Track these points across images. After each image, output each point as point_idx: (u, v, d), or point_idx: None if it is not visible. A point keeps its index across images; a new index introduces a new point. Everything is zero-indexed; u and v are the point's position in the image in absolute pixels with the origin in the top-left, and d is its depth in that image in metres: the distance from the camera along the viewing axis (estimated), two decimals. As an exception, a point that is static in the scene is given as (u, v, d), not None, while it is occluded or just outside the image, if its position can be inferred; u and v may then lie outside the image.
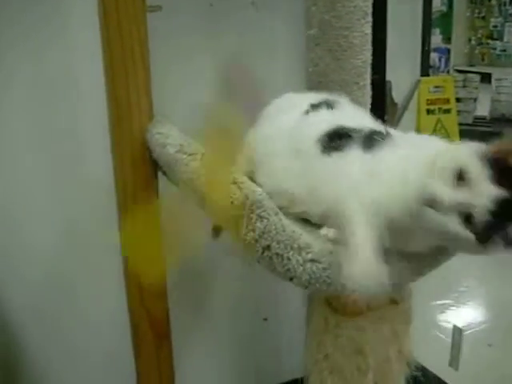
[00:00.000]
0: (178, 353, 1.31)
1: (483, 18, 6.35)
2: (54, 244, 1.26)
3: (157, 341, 1.25)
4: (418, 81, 2.59)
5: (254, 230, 0.73)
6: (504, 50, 6.15)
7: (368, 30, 1.19)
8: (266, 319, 1.58)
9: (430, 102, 2.57)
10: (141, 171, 1.12)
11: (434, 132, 2.57)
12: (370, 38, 1.20)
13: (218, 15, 1.29)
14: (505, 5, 6.12)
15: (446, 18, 4.56)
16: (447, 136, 2.62)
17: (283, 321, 1.61)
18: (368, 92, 1.23)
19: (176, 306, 1.25)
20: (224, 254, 1.45)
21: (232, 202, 0.73)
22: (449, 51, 4.72)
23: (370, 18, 1.19)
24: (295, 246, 0.75)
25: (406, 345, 0.96)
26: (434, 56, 3.58)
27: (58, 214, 1.25)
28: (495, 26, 6.23)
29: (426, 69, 3.08)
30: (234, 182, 0.75)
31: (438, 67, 3.88)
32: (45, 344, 1.31)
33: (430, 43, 3.23)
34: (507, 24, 6.10)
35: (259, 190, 0.74)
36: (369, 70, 1.22)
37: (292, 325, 1.61)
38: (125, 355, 1.33)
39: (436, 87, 2.58)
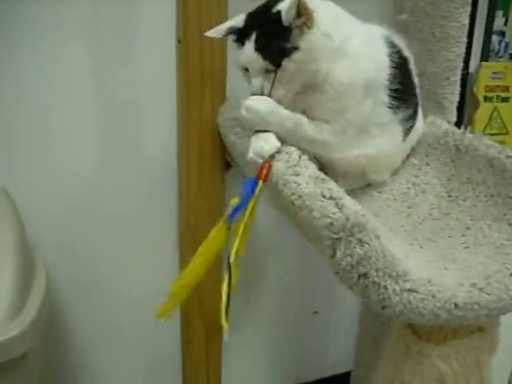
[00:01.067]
0: (226, 344, 1.27)
1: (545, -2, 6.06)
2: (110, 218, 1.20)
3: (208, 332, 1.20)
4: (480, 65, 2.46)
5: (351, 256, 0.65)
6: None
7: (466, 20, 1.08)
8: (316, 312, 1.52)
9: (489, 88, 2.45)
10: (208, 157, 1.05)
11: (490, 121, 2.47)
12: (466, 29, 1.09)
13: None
14: None
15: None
16: (503, 126, 2.49)
17: (333, 315, 1.55)
18: (457, 88, 1.12)
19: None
20: (276, 246, 1.39)
21: (331, 223, 0.65)
22: (503, 34, 4.51)
23: (469, 8, 1.08)
24: (393, 273, 0.68)
25: (488, 374, 0.89)
26: (494, 39, 3.39)
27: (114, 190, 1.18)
28: (557, 8, 5.95)
29: (486, 53, 2.94)
30: (332, 198, 0.67)
31: (498, 51, 3.69)
32: (87, 324, 1.26)
33: (492, 26, 3.07)
34: None
35: (361, 210, 0.66)
36: (461, 64, 1.11)
37: (341, 320, 1.55)
38: (171, 344, 1.30)
39: (495, 73, 2.46)
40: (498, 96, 2.51)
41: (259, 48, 0.81)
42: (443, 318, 0.72)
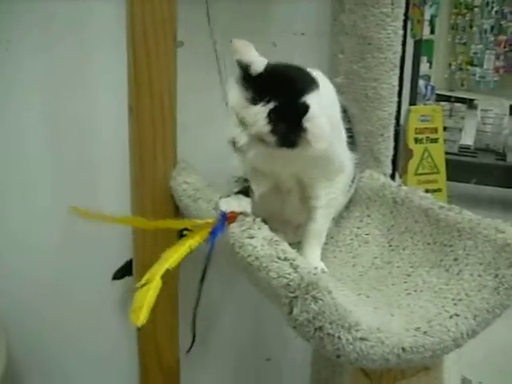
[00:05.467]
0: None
1: (464, 44, 6.46)
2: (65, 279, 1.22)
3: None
4: (409, 110, 2.61)
5: (307, 311, 0.71)
6: (483, 77, 6.27)
7: (395, 81, 1.18)
8: (269, 359, 1.56)
9: (419, 130, 2.59)
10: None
11: (421, 161, 2.60)
12: (396, 89, 1.18)
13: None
14: (486, 32, 6.23)
15: (430, 44, 4.61)
16: (434, 165, 2.64)
17: (286, 361, 1.59)
18: (391, 143, 1.21)
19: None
20: (229, 294, 1.43)
21: (287, 284, 0.70)
22: (429, 77, 4.77)
23: (397, 71, 1.18)
24: (346, 325, 0.73)
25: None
26: (420, 84, 3.59)
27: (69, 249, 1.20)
28: (475, 53, 6.34)
29: (414, 97, 3.11)
30: (286, 259, 0.73)
31: (424, 95, 3.91)
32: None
33: (418, 71, 3.26)
34: (487, 51, 6.22)
35: (314, 269, 0.72)
36: (393, 121, 1.20)
37: (295, 366, 1.59)
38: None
39: (423, 116, 2.60)
40: (427, 137, 2.66)
41: (273, 122, 0.79)
42: (392, 361, 0.78)
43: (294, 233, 1.01)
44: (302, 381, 1.45)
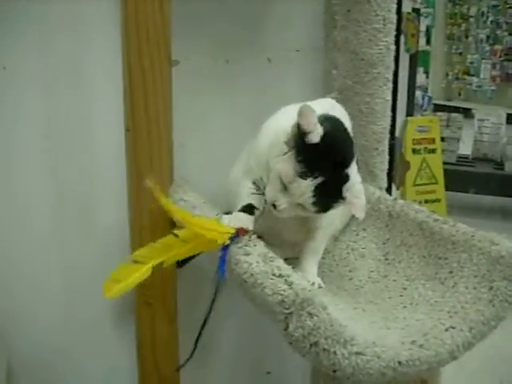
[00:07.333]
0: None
1: (460, 53, 6.49)
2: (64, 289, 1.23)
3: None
4: (406, 121, 2.62)
5: (303, 327, 0.71)
6: (480, 86, 6.29)
7: (389, 96, 1.19)
8: (269, 373, 1.56)
9: (416, 141, 2.60)
10: (159, 233, 1.10)
11: (419, 171, 2.61)
12: (390, 104, 1.20)
13: (234, 71, 1.28)
14: (481, 42, 6.27)
15: (426, 55, 4.64)
16: (432, 176, 2.64)
17: (286, 375, 1.59)
18: (386, 157, 1.22)
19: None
20: (229, 308, 1.44)
21: (282, 300, 0.71)
22: (426, 88, 4.80)
23: (391, 85, 1.19)
24: (341, 340, 0.74)
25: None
26: (417, 94, 3.61)
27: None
28: (472, 63, 6.37)
29: (411, 108, 3.13)
30: (281, 276, 0.74)
31: (422, 105, 3.93)
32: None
33: (415, 82, 3.28)
34: (483, 61, 6.25)
35: (309, 285, 0.73)
36: (388, 135, 1.22)
37: (295, 379, 1.59)
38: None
39: (421, 126, 2.61)
40: (425, 148, 2.67)
41: (317, 196, 0.83)
42: (389, 375, 0.78)
43: (292, 249, 1.02)
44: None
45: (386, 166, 1.23)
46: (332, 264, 1.08)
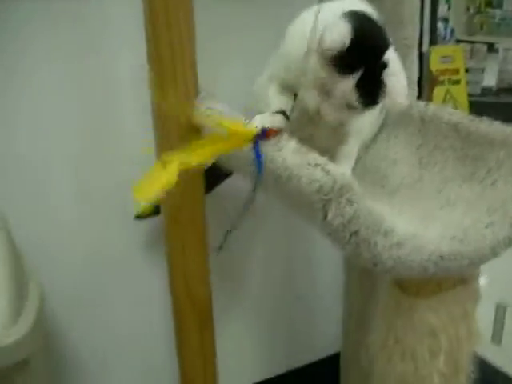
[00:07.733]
0: (218, 336, 1.29)
1: (482, -15, 6.28)
2: (93, 229, 1.22)
3: (200, 324, 1.22)
4: (429, 50, 2.55)
5: (342, 215, 0.69)
6: (504, 19, 6.09)
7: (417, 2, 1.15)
8: (299, 297, 1.57)
9: (440, 72, 2.53)
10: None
11: (444, 103, 2.55)
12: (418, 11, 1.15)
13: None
14: (504, -28, 6.05)
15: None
16: (456, 107, 2.59)
17: (316, 298, 1.59)
18: (416, 65, 1.18)
19: (214, 287, 1.22)
20: (257, 237, 1.44)
21: (320, 186, 0.69)
22: (447, 20, 4.66)
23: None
24: (382, 230, 0.72)
25: (475, 323, 0.94)
26: (439, 26, 3.51)
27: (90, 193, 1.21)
28: (494, -6, 6.17)
29: (434, 38, 3.04)
30: (317, 165, 0.71)
31: (444, 37, 3.82)
32: (85, 330, 1.28)
33: (437, 13, 3.18)
34: (506, -8, 6.04)
35: (347, 172, 0.70)
36: (417, 43, 1.17)
37: (325, 303, 1.59)
38: (167, 340, 1.32)
39: (444, 57, 2.54)
40: (449, 79, 2.59)
41: (359, 90, 0.80)
42: (431, 270, 0.77)
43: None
44: (333, 316, 1.46)
45: (416, 75, 1.19)
46: (363, 173, 1.06)
